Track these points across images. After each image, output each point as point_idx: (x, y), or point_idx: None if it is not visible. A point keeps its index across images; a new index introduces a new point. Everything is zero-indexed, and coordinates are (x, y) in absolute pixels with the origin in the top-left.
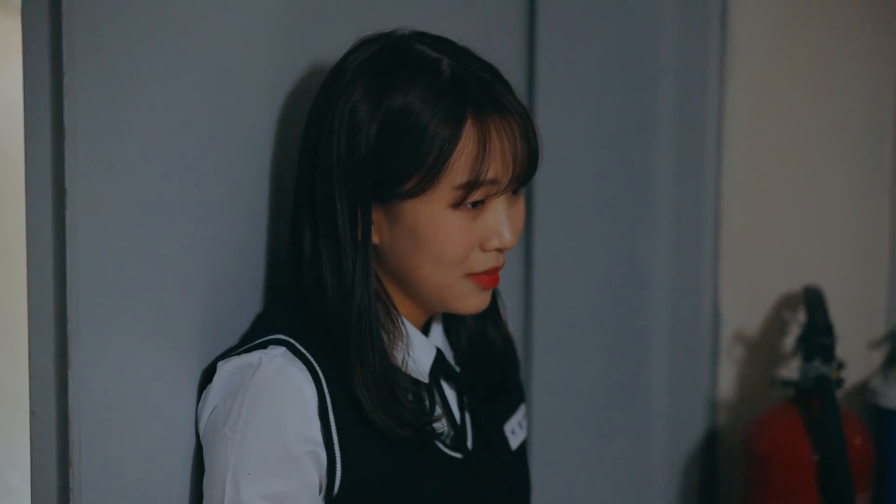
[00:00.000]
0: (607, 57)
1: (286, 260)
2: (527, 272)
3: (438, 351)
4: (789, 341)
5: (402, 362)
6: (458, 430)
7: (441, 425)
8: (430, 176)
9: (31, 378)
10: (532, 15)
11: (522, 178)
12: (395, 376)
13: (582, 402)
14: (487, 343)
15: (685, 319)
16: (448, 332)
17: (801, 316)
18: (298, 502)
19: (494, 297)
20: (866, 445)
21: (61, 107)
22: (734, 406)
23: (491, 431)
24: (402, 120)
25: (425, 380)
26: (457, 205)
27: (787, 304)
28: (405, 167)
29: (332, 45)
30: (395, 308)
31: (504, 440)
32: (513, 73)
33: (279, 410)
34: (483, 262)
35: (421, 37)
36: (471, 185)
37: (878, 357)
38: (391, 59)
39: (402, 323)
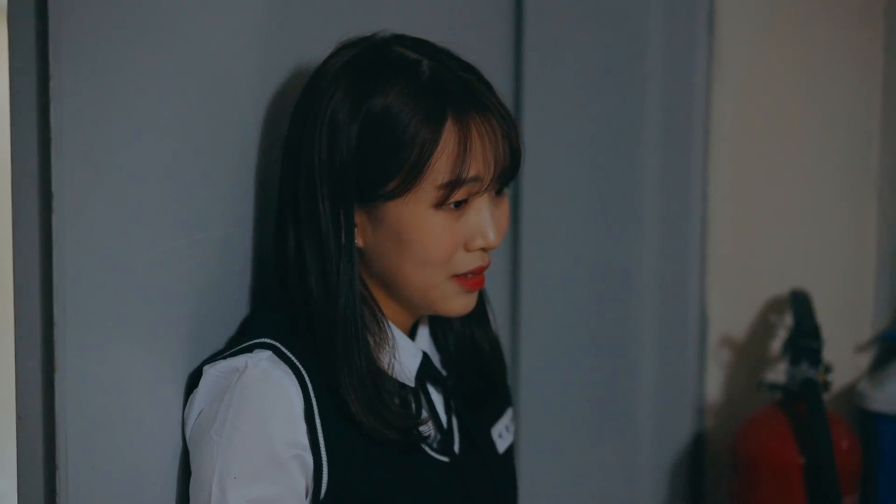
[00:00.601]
0: (594, 62)
1: (272, 263)
2: (514, 275)
3: (425, 355)
4: (776, 345)
5: (389, 366)
6: (445, 434)
7: (427, 429)
8: (411, 176)
9: (17, 382)
10: (519, 20)
11: (505, 177)
12: (381, 379)
13: (569, 406)
14: (475, 346)
15: (672, 323)
16: (435, 336)
17: (788, 319)
18: None
19: (482, 299)
20: (853, 449)
21: (47, 111)
22: (721, 409)
23: (478, 435)
24: (383, 121)
25: (412, 384)
26: (439, 205)
27: (774, 307)
28: (386, 168)
29: (317, 48)
30: (381, 311)
31: (491, 444)
32: (500, 79)
33: (265, 414)
34: (467, 262)
35: (401, 39)
36: (452, 185)
37: (864, 360)
38: (371, 62)
39: (388, 326)
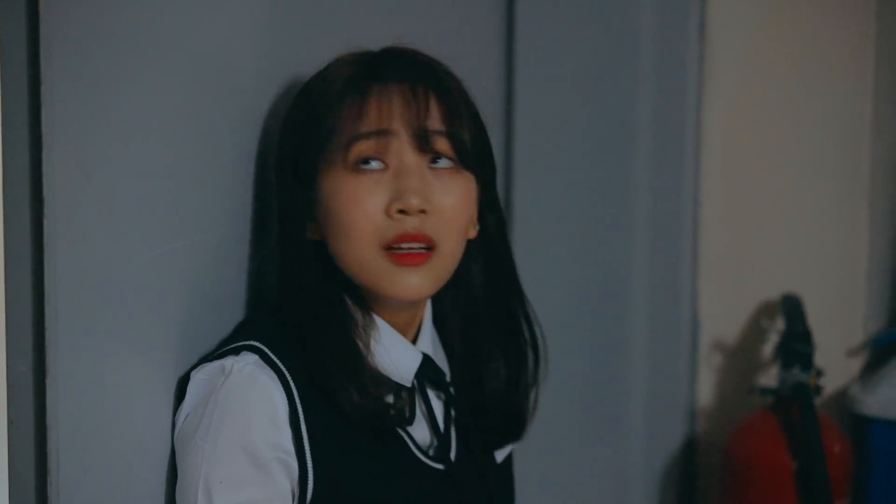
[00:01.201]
0: (585, 66)
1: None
2: None
3: (426, 357)
4: (768, 349)
5: (380, 363)
6: (442, 440)
7: (423, 433)
8: (321, 143)
9: (8, 386)
10: (510, 25)
11: (423, 139)
12: (367, 372)
13: (561, 410)
14: (478, 372)
15: (664, 327)
16: (445, 344)
17: (780, 323)
18: None
19: (517, 343)
20: (845, 453)
21: (39, 115)
22: (713, 413)
23: (476, 444)
24: (300, 101)
25: (406, 383)
26: (354, 166)
27: (765, 311)
28: (304, 145)
29: (313, 52)
30: (367, 308)
31: (489, 454)
32: (491, 84)
33: (248, 416)
34: (391, 228)
35: (387, 50)
36: (352, 139)
37: (856, 364)
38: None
39: (376, 324)
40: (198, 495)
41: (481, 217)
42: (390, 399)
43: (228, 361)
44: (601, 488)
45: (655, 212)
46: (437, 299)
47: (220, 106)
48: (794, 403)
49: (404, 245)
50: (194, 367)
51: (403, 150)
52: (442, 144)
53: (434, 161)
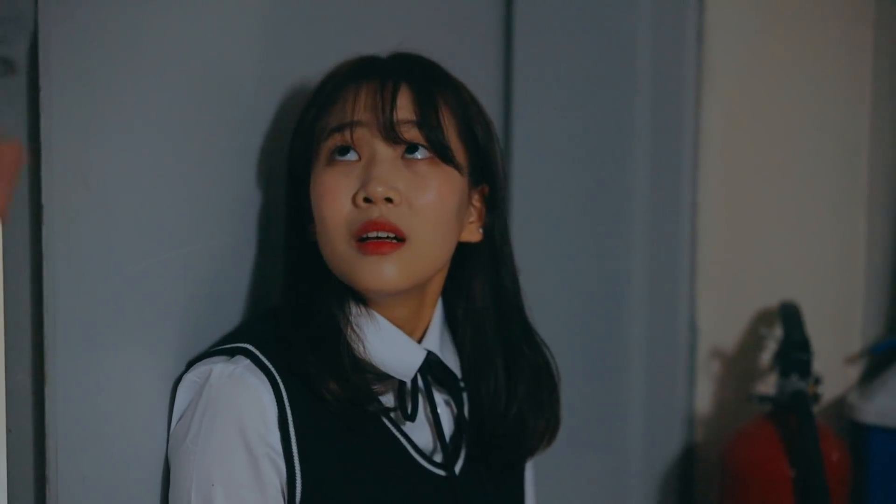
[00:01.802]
0: (583, 74)
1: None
2: None
3: (430, 355)
4: (766, 357)
5: (375, 357)
6: (446, 446)
7: (425, 437)
8: (308, 143)
9: (7, 394)
10: (508, 32)
11: (390, 126)
12: (348, 358)
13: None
14: (477, 393)
15: (662, 335)
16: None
17: (778, 331)
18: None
19: (527, 373)
20: (843, 461)
21: (38, 123)
22: (711, 421)
23: (486, 456)
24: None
25: (407, 379)
26: (329, 159)
27: (763, 319)
28: (297, 146)
29: (316, 58)
30: (364, 305)
31: (500, 467)
32: (489, 91)
33: (238, 415)
34: (358, 217)
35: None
36: (325, 132)
37: (854, 372)
38: None
39: (375, 320)
40: (191, 499)
41: (488, 224)
42: (377, 389)
43: (219, 365)
44: (600, 495)
45: (653, 219)
46: (450, 306)
47: (221, 112)
48: (793, 411)
49: (371, 234)
50: (187, 368)
51: (374, 140)
52: (413, 134)
53: (411, 152)
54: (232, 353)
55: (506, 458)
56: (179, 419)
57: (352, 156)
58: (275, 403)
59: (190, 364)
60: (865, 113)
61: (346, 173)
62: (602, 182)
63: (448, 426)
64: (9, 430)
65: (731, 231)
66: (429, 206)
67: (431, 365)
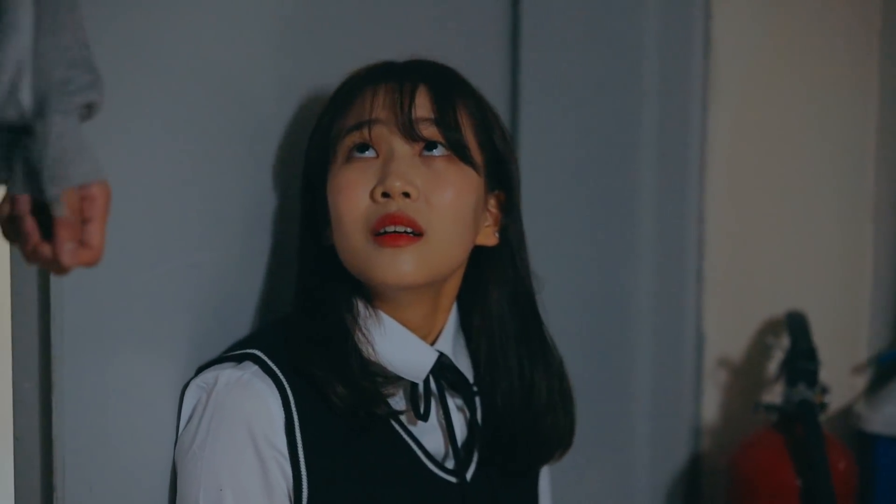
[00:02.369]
0: (590, 82)
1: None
2: None
3: (442, 357)
4: (773, 366)
5: (385, 359)
6: (458, 452)
7: (437, 443)
8: (325, 146)
9: (14, 403)
10: (515, 40)
11: (408, 123)
12: (356, 360)
13: None
14: (491, 392)
15: (669, 344)
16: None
17: (785, 341)
18: None
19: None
20: (850, 470)
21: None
22: (718, 431)
23: (499, 464)
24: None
25: (418, 381)
26: (346, 157)
27: (770, 328)
28: (313, 150)
29: (331, 65)
30: (375, 308)
31: (512, 475)
32: (496, 99)
33: (246, 419)
34: (376, 212)
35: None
36: (345, 132)
37: (861, 382)
38: None
39: (383, 321)
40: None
41: (503, 228)
42: (387, 392)
43: (226, 371)
44: None
45: (660, 228)
46: (466, 312)
47: (234, 120)
48: (799, 420)
49: (389, 228)
50: (196, 375)
51: (392, 138)
52: (431, 131)
53: (429, 150)
54: (240, 360)
55: (519, 466)
56: (186, 425)
57: (370, 153)
58: (281, 409)
59: (199, 371)
60: (872, 122)
61: (363, 169)
62: (609, 191)
63: (460, 431)
64: (16, 439)
65: (738, 240)
66: (446, 203)
67: (444, 368)
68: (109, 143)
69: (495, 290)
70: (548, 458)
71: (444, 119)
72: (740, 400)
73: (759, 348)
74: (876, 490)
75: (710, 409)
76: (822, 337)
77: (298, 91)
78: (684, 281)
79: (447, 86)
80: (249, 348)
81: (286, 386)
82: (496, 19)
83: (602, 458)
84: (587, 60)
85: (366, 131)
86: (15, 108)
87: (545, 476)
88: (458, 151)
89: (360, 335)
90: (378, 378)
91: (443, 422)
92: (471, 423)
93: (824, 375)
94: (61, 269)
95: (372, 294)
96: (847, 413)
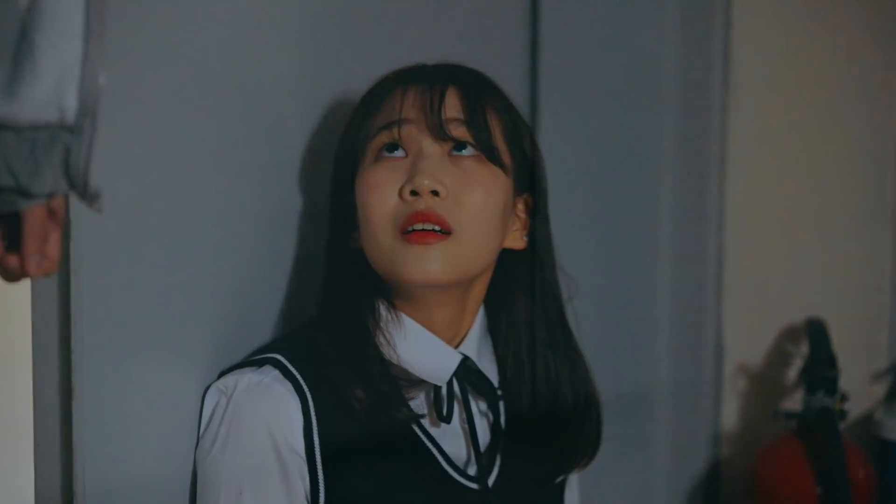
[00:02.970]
0: (609, 90)
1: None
2: None
3: (467, 360)
4: (792, 373)
5: (406, 362)
6: (481, 458)
7: (458, 448)
8: (355, 148)
9: (35, 409)
10: (534, 46)
11: (438, 123)
12: (377, 363)
13: None
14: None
15: (689, 351)
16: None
17: (804, 348)
18: None
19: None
20: (869, 478)
21: None
22: (737, 438)
23: (525, 466)
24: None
25: (441, 383)
26: (376, 156)
27: (790, 336)
28: (343, 153)
29: (355, 73)
30: (395, 308)
31: (536, 482)
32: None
33: (265, 422)
34: (404, 210)
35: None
36: (375, 132)
37: (881, 389)
38: None
39: (404, 324)
40: None
41: (531, 232)
42: (408, 395)
43: (246, 375)
44: None
45: (679, 236)
46: (493, 316)
47: (257, 126)
48: (819, 428)
49: (417, 226)
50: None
51: (421, 137)
52: (460, 132)
53: (458, 150)
54: (260, 364)
55: (543, 473)
56: (206, 428)
57: (399, 153)
58: (300, 412)
59: (221, 375)
60: (891, 129)
61: (393, 168)
62: (628, 199)
63: (483, 437)
64: (37, 445)
65: (758, 248)
66: (474, 202)
67: (468, 371)
68: (132, 151)
69: (522, 294)
70: (573, 466)
71: (474, 119)
72: (760, 407)
73: (779, 356)
74: (895, 497)
75: (730, 416)
76: (841, 344)
77: (321, 95)
78: (704, 288)
79: (477, 88)
80: (271, 353)
81: (306, 390)
82: (515, 33)
83: (623, 465)
84: (606, 69)
85: (395, 131)
86: (56, 110)
87: (574, 489)
88: (487, 151)
89: (381, 338)
90: (400, 381)
91: (465, 426)
92: (494, 429)
93: (844, 383)
94: (16, 279)
95: (397, 296)
96: (867, 420)
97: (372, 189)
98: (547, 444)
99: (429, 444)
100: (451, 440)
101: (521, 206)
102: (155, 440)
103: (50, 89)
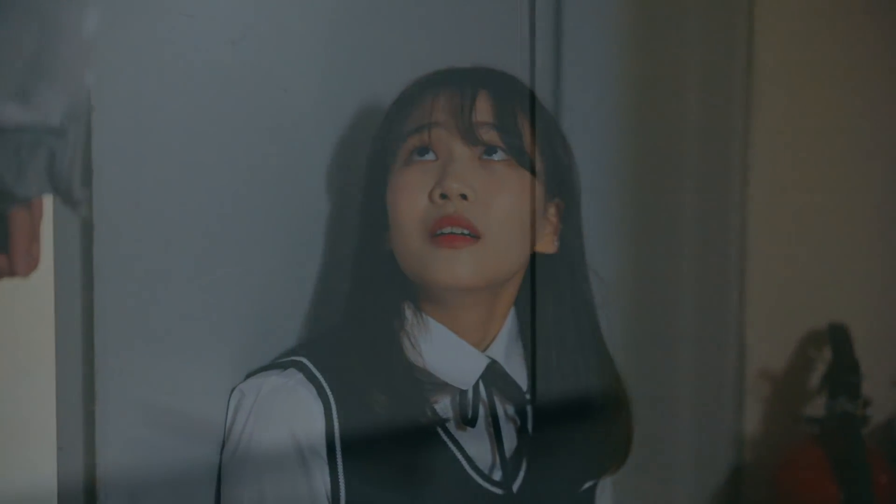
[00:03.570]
0: (632, 98)
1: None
2: None
3: (494, 364)
4: (815, 379)
5: (431, 365)
6: (506, 463)
7: (483, 453)
8: (386, 151)
9: (58, 413)
10: (557, 51)
11: (468, 127)
12: (402, 366)
13: None
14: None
15: (712, 356)
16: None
17: (827, 353)
18: None
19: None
20: (892, 483)
21: (89, 142)
22: (760, 443)
23: (552, 471)
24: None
25: (466, 387)
26: (407, 159)
27: (812, 341)
28: (375, 156)
29: (379, 78)
30: (422, 311)
31: (561, 487)
32: None
33: (289, 424)
34: (433, 213)
35: None
36: (406, 135)
37: None
38: None
39: (429, 327)
40: None
41: (562, 237)
42: (433, 398)
43: (271, 378)
44: None
45: (703, 243)
46: (524, 320)
47: (281, 132)
48: (842, 433)
49: (446, 229)
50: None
51: (452, 140)
52: (490, 136)
53: (488, 154)
54: (285, 367)
55: (570, 478)
56: (230, 430)
57: (430, 156)
58: (323, 415)
59: (247, 378)
60: None
61: (423, 171)
62: (651, 205)
63: (509, 441)
64: (59, 450)
65: (781, 253)
66: (504, 206)
67: (495, 375)
68: (159, 153)
69: (553, 298)
70: (601, 472)
71: (505, 124)
72: (782, 412)
73: (802, 361)
74: None
75: (753, 421)
76: (864, 350)
77: (347, 103)
78: (727, 293)
79: (509, 92)
80: (296, 356)
81: (328, 393)
82: (539, 32)
83: (645, 470)
84: (629, 76)
85: (426, 134)
86: (40, 114)
87: (607, 498)
88: (518, 156)
89: (407, 341)
90: (424, 384)
91: (491, 430)
92: (521, 433)
93: (866, 388)
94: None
95: (424, 298)
96: (889, 426)
97: (402, 191)
98: (576, 449)
99: (453, 448)
100: (476, 445)
101: (552, 211)
102: (178, 444)
103: (34, 92)
